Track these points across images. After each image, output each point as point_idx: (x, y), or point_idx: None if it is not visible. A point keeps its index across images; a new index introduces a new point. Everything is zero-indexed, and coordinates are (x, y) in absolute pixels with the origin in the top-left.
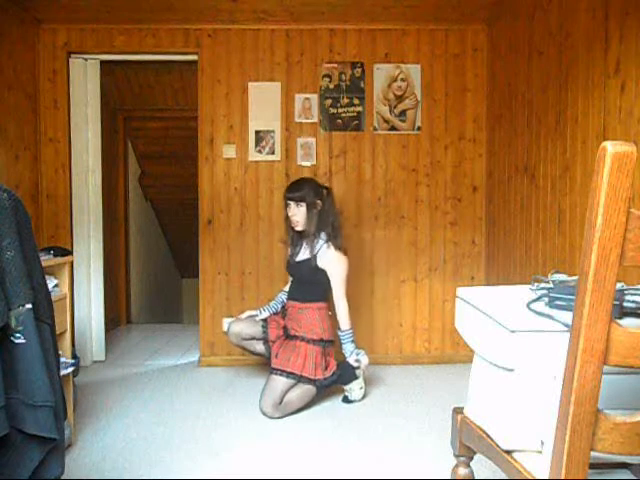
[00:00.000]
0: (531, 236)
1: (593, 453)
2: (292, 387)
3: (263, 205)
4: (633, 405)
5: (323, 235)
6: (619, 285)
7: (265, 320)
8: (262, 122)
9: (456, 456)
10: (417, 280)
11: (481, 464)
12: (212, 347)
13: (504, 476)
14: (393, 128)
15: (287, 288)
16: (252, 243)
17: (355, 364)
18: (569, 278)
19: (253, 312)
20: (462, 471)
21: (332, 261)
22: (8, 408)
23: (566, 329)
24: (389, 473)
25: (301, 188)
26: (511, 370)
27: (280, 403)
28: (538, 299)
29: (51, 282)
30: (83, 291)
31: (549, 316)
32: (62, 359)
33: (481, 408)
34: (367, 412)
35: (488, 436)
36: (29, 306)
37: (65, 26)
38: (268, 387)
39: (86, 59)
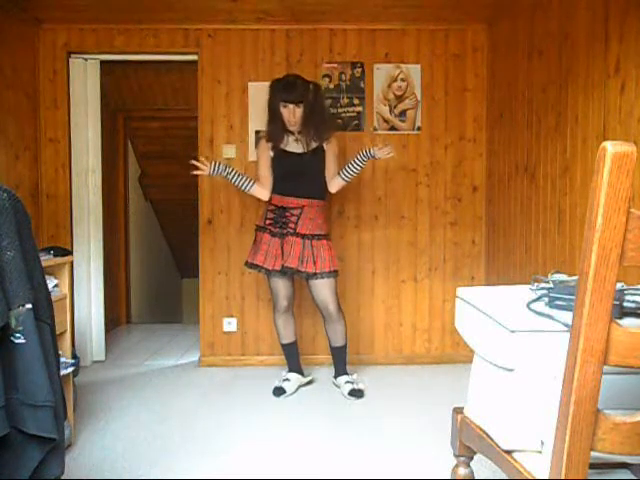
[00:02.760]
0: (531, 236)
1: (593, 453)
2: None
3: (263, 205)
4: (633, 405)
5: (315, 127)
6: (619, 285)
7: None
8: (262, 122)
9: (456, 456)
10: (417, 280)
11: (481, 464)
12: (212, 347)
13: (504, 476)
14: (393, 128)
15: (265, 191)
16: (252, 243)
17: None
18: (569, 278)
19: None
20: (462, 471)
21: (333, 144)
22: (8, 408)
23: (566, 329)
24: (389, 473)
25: (297, 87)
26: (511, 370)
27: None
28: (538, 299)
29: (51, 282)
30: (83, 291)
31: (549, 316)
32: (62, 359)
33: (481, 408)
34: (367, 412)
35: (488, 436)
36: (29, 306)
37: (65, 26)
38: (325, 292)
39: (86, 59)
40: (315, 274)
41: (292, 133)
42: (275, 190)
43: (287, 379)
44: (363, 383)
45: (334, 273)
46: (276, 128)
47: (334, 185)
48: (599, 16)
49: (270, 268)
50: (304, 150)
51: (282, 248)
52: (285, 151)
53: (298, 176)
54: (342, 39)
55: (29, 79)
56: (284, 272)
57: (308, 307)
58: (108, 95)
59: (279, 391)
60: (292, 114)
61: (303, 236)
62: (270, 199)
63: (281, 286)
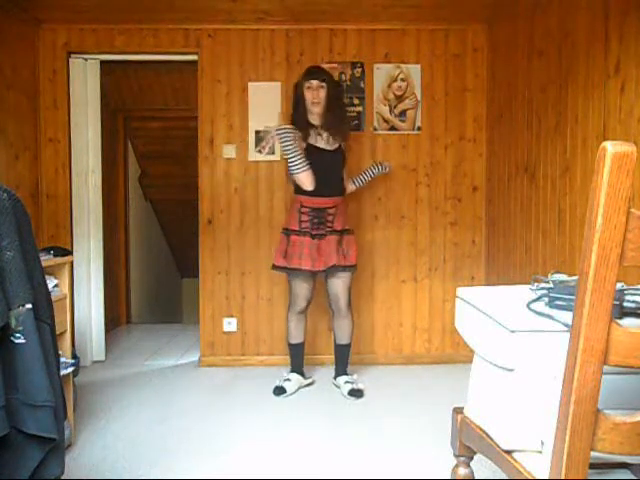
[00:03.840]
0: (531, 236)
1: (593, 453)
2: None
3: (263, 205)
4: (633, 405)
5: (335, 123)
6: (619, 285)
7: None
8: (262, 122)
9: (456, 456)
10: (417, 280)
11: (481, 464)
12: (212, 347)
13: (504, 476)
14: (393, 128)
15: (313, 180)
16: (252, 243)
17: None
18: (569, 278)
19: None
20: (462, 471)
21: (347, 148)
22: (8, 408)
23: (566, 329)
24: (389, 473)
25: (320, 70)
26: (511, 370)
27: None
28: (538, 299)
29: (51, 282)
30: (83, 291)
31: (549, 316)
32: (62, 359)
33: (481, 408)
34: (367, 412)
35: (488, 436)
36: (29, 306)
37: (65, 26)
38: (341, 285)
39: (86, 59)
40: (342, 267)
41: (314, 127)
42: (309, 191)
43: (288, 379)
44: (363, 383)
45: (354, 267)
46: (299, 119)
47: (346, 189)
48: (599, 16)
49: (314, 269)
50: (333, 147)
51: (323, 249)
52: (315, 147)
53: (329, 173)
54: (342, 39)
55: (29, 79)
56: (314, 273)
57: (310, 306)
58: (108, 95)
59: (279, 390)
60: (316, 93)
61: (339, 232)
62: (303, 201)
63: (305, 288)
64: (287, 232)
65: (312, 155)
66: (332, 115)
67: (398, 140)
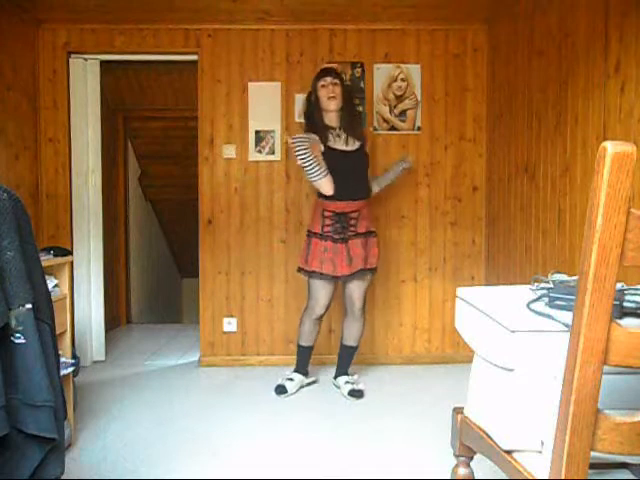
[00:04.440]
0: (531, 236)
1: (593, 453)
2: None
3: (263, 205)
4: (633, 405)
5: (352, 125)
6: (619, 285)
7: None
8: (262, 122)
9: (456, 456)
10: (417, 280)
11: (481, 464)
12: (212, 347)
13: (504, 476)
14: (393, 128)
15: (332, 185)
16: (252, 243)
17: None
18: (569, 278)
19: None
20: (462, 471)
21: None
22: (8, 408)
23: (566, 329)
24: (389, 473)
25: (334, 69)
26: (511, 370)
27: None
28: (538, 299)
29: (51, 282)
30: (83, 291)
31: (549, 316)
32: (62, 359)
33: (481, 408)
34: (367, 412)
35: (488, 436)
36: (29, 306)
37: (65, 26)
38: (356, 290)
39: (86, 59)
40: (364, 270)
41: (332, 129)
42: (332, 195)
43: (291, 379)
44: (363, 383)
45: (374, 270)
46: (317, 124)
47: (371, 190)
48: (599, 16)
49: (339, 274)
50: (353, 148)
51: (348, 253)
52: (334, 149)
53: (351, 175)
54: (342, 39)
55: (29, 79)
56: (336, 278)
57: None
58: (108, 95)
59: (281, 389)
60: (331, 88)
61: (363, 234)
62: (326, 205)
63: (325, 294)
64: (309, 235)
65: (332, 158)
66: (348, 115)
67: (398, 140)
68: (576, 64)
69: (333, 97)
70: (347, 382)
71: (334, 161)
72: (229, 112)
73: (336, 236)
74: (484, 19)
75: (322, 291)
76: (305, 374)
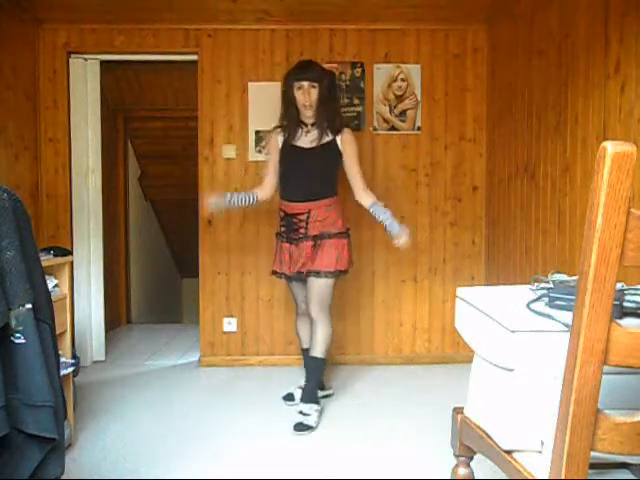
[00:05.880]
0: (531, 236)
1: (593, 453)
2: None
3: (263, 205)
4: (633, 405)
5: (328, 119)
6: (619, 285)
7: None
8: (262, 122)
9: (456, 456)
10: (417, 280)
11: (481, 464)
12: (212, 347)
13: (504, 476)
14: (393, 128)
15: (265, 191)
16: (252, 243)
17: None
18: (569, 278)
19: (219, 197)
20: (462, 471)
21: (351, 141)
22: (8, 408)
23: (566, 329)
24: (389, 473)
25: (311, 67)
26: (511, 370)
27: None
28: (538, 299)
29: (51, 282)
30: (83, 291)
31: (549, 316)
32: (62, 359)
33: (481, 408)
34: (367, 412)
35: (488, 436)
36: (29, 306)
37: (65, 26)
38: (311, 291)
39: (86, 59)
40: (309, 272)
41: (305, 125)
42: (282, 195)
43: (302, 387)
44: (318, 414)
45: (328, 274)
46: (290, 120)
47: (364, 201)
48: (599, 16)
49: (288, 273)
50: (314, 144)
51: (295, 253)
52: (293, 146)
53: (302, 175)
54: (342, 39)
55: (29, 79)
56: (299, 277)
57: None
58: (108, 95)
59: (288, 397)
60: (307, 94)
61: (314, 237)
62: (280, 204)
63: (298, 290)
64: (275, 235)
65: (286, 155)
66: (324, 111)
67: (398, 140)
68: (576, 64)
69: (309, 105)
70: (301, 412)
71: (289, 158)
72: (229, 112)
73: (288, 236)
74: (484, 19)
75: (296, 287)
76: (321, 388)
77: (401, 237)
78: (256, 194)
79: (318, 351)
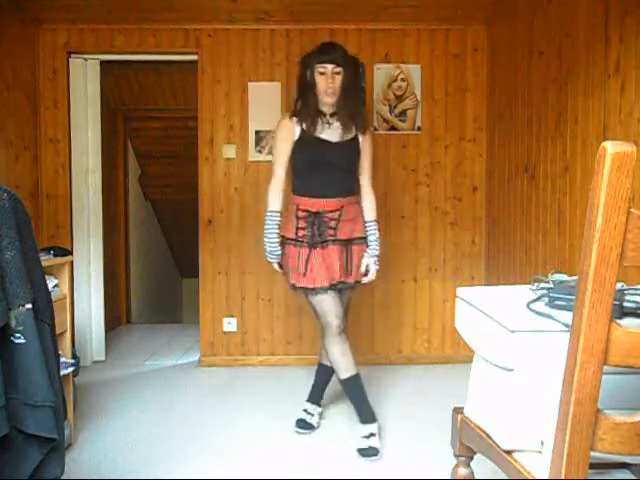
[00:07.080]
0: (531, 236)
1: (593, 453)
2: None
3: (263, 205)
4: (633, 405)
5: (350, 112)
6: (619, 285)
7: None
8: (262, 122)
9: (456, 456)
10: (417, 280)
11: (481, 464)
12: (212, 347)
13: (504, 476)
14: (393, 128)
15: (283, 188)
16: (252, 243)
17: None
18: (569, 278)
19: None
20: (462, 471)
21: (371, 141)
22: (8, 408)
23: (566, 329)
24: (389, 473)
25: (337, 49)
26: (511, 370)
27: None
28: (538, 299)
29: (51, 282)
30: (83, 291)
31: (549, 316)
32: (62, 359)
33: (481, 408)
34: None
35: (488, 436)
36: (29, 306)
37: (65, 26)
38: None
39: (86, 59)
40: (357, 282)
41: (324, 115)
42: (304, 191)
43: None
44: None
45: (358, 285)
46: (310, 108)
47: (367, 207)
48: (599, 16)
49: (318, 286)
50: (339, 139)
51: (327, 259)
52: (317, 138)
53: (332, 169)
54: (342, 39)
55: (29, 79)
56: (335, 287)
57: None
58: (108, 95)
59: (302, 425)
60: (330, 79)
61: (344, 242)
62: (299, 203)
63: (335, 303)
64: (284, 241)
65: (310, 146)
66: (346, 102)
67: (398, 140)
68: (576, 64)
69: (332, 93)
70: (364, 435)
71: (316, 150)
72: (229, 112)
73: (312, 241)
74: (484, 19)
75: (326, 298)
76: (318, 404)
77: (370, 273)
78: (279, 215)
79: (354, 367)
